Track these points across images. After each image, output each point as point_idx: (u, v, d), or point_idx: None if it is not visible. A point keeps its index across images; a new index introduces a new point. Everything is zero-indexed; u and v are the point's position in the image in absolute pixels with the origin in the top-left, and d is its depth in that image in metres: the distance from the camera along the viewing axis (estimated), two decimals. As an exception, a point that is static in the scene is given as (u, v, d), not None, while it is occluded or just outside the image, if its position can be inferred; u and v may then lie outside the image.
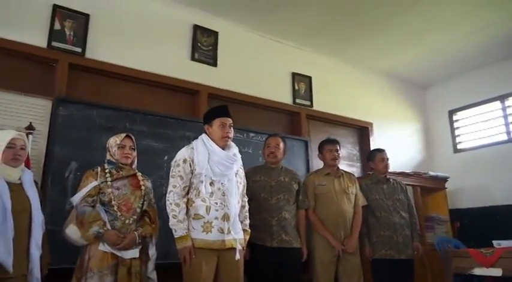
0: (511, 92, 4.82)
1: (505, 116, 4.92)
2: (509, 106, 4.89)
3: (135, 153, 2.44)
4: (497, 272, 3.22)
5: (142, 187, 2.39)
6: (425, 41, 4.45)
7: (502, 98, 4.94)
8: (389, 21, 4.05)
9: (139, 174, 2.45)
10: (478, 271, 3.31)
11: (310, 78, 4.54)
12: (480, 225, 4.56)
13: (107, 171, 2.33)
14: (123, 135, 2.42)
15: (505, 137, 4.87)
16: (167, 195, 2.30)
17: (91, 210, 2.20)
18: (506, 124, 4.89)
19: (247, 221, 2.52)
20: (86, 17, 3.22)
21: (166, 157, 3.17)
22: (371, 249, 3.18)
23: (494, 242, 3.47)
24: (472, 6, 3.80)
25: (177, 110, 3.54)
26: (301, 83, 4.48)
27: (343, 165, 3.99)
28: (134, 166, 2.46)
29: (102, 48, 3.26)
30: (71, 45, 3.10)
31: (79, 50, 3.13)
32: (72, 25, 3.14)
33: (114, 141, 2.40)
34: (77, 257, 2.23)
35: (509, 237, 3.68)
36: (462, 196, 4.91)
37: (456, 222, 4.60)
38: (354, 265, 3.02)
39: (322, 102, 4.54)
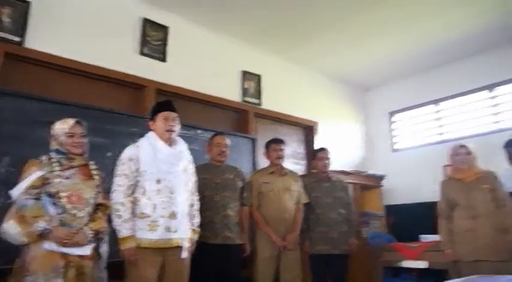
0: (444, 97, 5.20)
1: (438, 119, 5.31)
2: (442, 110, 5.29)
3: (86, 140, 2.21)
4: (423, 264, 3.52)
5: (96, 176, 2.21)
6: (367, 45, 4.65)
7: (435, 101, 5.32)
8: (336, 25, 4.20)
9: (91, 163, 2.25)
10: (405, 263, 3.60)
11: (259, 76, 4.61)
12: (411, 220, 4.86)
13: (54, 160, 2.09)
14: (72, 121, 2.16)
15: (437, 139, 5.25)
16: (111, 194, 2.24)
17: (34, 203, 1.97)
18: (439, 126, 5.27)
19: (196, 220, 2.48)
20: (27, 4, 3.06)
21: (109, 153, 3.10)
22: (309, 245, 3.34)
23: (422, 237, 3.78)
24: (415, 12, 3.98)
25: (122, 105, 3.45)
26: (251, 81, 4.54)
27: (288, 163, 4.10)
28: (86, 155, 2.24)
29: (44, 38, 3.11)
30: (7, 34, 2.93)
31: (17, 38, 2.97)
32: (10, 12, 2.97)
33: (61, 129, 2.14)
34: (12, 258, 2.02)
35: (437, 232, 4.01)
36: (397, 193, 5.21)
37: (391, 217, 4.89)
38: (293, 260, 3.14)
39: (270, 101, 4.63)
